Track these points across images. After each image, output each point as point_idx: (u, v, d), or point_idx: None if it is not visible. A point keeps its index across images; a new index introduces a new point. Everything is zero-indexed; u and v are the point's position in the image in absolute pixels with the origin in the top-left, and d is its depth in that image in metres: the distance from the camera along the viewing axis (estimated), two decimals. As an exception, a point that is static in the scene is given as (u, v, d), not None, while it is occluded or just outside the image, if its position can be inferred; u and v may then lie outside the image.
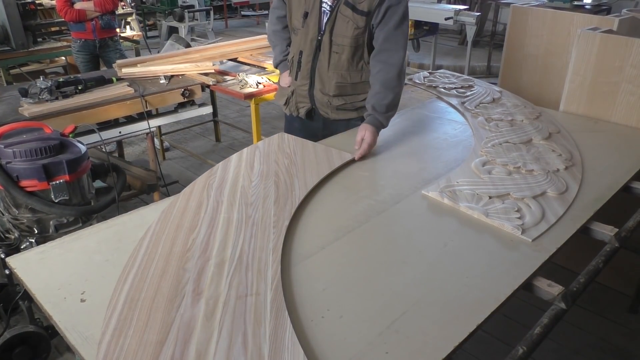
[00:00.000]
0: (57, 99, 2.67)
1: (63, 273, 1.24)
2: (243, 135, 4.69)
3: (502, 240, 1.38)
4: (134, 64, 3.25)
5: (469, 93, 2.57)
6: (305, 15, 1.96)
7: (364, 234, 1.41)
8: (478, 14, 5.36)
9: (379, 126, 1.92)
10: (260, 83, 3.09)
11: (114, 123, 2.94)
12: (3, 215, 2.04)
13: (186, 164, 4.19)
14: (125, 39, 5.24)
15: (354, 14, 1.89)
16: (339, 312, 1.11)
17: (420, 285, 1.20)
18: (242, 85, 3.06)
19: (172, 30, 6.96)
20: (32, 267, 1.27)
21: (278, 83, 2.32)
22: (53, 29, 4.99)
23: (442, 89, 2.64)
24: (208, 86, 3.19)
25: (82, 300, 1.14)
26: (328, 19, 1.93)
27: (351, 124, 2.11)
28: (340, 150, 1.87)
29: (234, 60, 3.65)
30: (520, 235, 1.38)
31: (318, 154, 1.85)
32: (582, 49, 2.32)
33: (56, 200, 1.95)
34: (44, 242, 1.58)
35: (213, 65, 3.36)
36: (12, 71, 4.56)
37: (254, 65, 3.51)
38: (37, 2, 4.68)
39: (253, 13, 10.84)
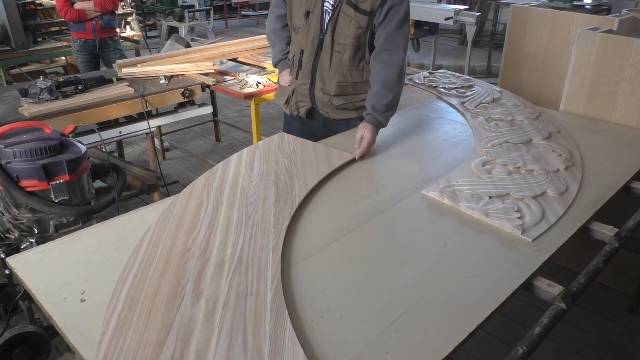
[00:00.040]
0: (57, 99, 2.67)
1: (63, 273, 1.24)
2: (243, 135, 4.69)
3: (502, 240, 1.38)
4: (134, 64, 3.25)
5: (469, 93, 2.57)
6: (307, 14, 1.96)
7: (364, 234, 1.41)
8: (478, 14, 5.36)
9: (378, 125, 1.92)
10: (260, 83, 3.09)
11: (114, 123, 2.94)
12: (3, 215, 2.04)
13: (186, 164, 4.19)
14: (125, 39, 5.24)
15: (356, 13, 1.89)
16: (339, 312, 1.11)
17: (420, 285, 1.20)
18: (242, 85, 3.06)
19: (172, 30, 6.96)
20: (32, 267, 1.27)
21: (278, 82, 2.32)
22: (53, 29, 4.99)
23: (442, 89, 2.64)
24: (208, 86, 3.19)
25: (82, 300, 1.14)
26: (330, 18, 1.94)
27: (351, 123, 2.11)
28: (340, 150, 1.87)
29: (234, 60, 3.65)
30: (520, 235, 1.38)
31: (318, 153, 1.85)
32: (582, 49, 2.32)
33: (56, 200, 1.95)
34: (44, 242, 1.58)
35: (213, 65, 3.36)
36: (12, 71, 4.56)
37: (254, 65, 3.51)
38: (37, 2, 4.68)
39: (253, 13, 10.84)
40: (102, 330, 1.02)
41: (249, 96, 2.98)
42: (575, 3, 5.63)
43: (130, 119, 3.01)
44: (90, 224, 2.04)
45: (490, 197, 1.56)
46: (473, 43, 5.46)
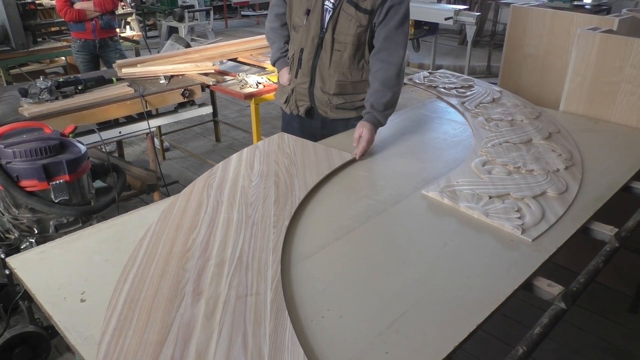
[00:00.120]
0: (57, 99, 2.67)
1: (63, 273, 1.24)
2: (243, 135, 4.69)
3: (502, 240, 1.38)
4: (134, 64, 3.25)
5: (469, 93, 2.57)
6: (308, 12, 1.97)
7: (364, 234, 1.41)
8: (478, 14, 5.36)
9: (376, 124, 1.92)
10: (260, 83, 3.09)
11: (114, 123, 2.93)
12: (3, 215, 2.04)
13: (186, 164, 4.19)
14: (125, 39, 5.24)
15: (356, 12, 1.89)
16: (339, 312, 1.11)
17: (420, 285, 1.20)
18: (242, 85, 3.06)
19: (172, 30, 6.96)
20: (32, 267, 1.27)
21: (278, 82, 2.32)
22: (53, 29, 4.99)
23: (442, 89, 2.64)
24: (208, 86, 3.19)
25: (82, 300, 1.14)
26: (331, 17, 1.94)
27: (350, 123, 2.10)
28: (340, 150, 1.87)
29: (234, 60, 3.65)
30: (520, 235, 1.38)
31: (318, 154, 1.85)
32: (582, 49, 2.32)
33: (56, 200, 1.95)
34: (44, 242, 1.58)
35: (213, 65, 3.36)
36: (12, 71, 4.56)
37: (254, 65, 3.51)
38: (37, 2, 4.68)
39: (253, 13, 10.84)
40: (102, 330, 1.02)
41: (249, 96, 2.98)
42: (575, 3, 5.63)
43: (130, 119, 3.01)
44: (90, 224, 2.04)
45: (490, 197, 1.56)
46: (473, 43, 5.46)
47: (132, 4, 7.15)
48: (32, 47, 4.47)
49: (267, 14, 2.35)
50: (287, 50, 2.18)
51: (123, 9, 5.61)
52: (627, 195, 1.74)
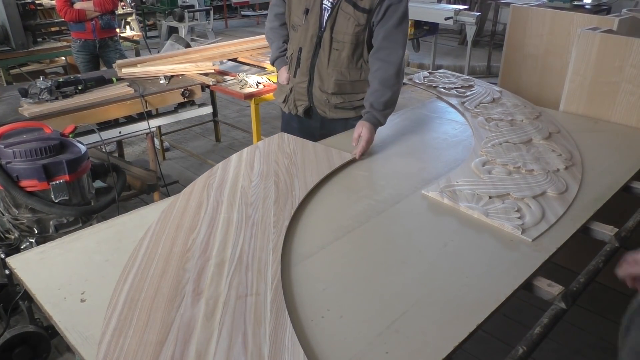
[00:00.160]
0: (57, 99, 2.67)
1: (63, 273, 1.24)
2: (243, 135, 4.69)
3: (502, 240, 1.38)
4: (134, 64, 3.25)
5: (469, 93, 2.57)
6: (306, 11, 1.97)
7: (364, 234, 1.41)
8: (478, 14, 5.36)
9: (376, 123, 1.92)
10: (260, 83, 3.09)
11: (114, 123, 2.93)
12: (3, 215, 2.04)
13: (186, 164, 4.19)
14: (125, 39, 5.24)
15: (355, 11, 1.89)
16: (339, 312, 1.11)
17: (420, 285, 1.20)
18: (242, 85, 3.06)
19: (172, 30, 6.96)
20: (32, 267, 1.27)
21: (277, 81, 2.32)
22: (53, 29, 4.99)
23: (442, 89, 2.64)
24: (208, 86, 3.19)
25: (82, 300, 1.14)
26: (329, 16, 1.94)
27: (349, 123, 2.10)
28: (340, 150, 1.87)
29: (234, 60, 3.65)
30: (520, 235, 1.38)
31: (318, 153, 1.85)
32: (582, 49, 2.32)
33: (56, 200, 1.95)
34: (44, 242, 1.58)
35: (213, 65, 3.36)
36: (12, 71, 4.56)
37: (254, 65, 3.51)
38: (37, 2, 4.68)
39: (253, 13, 10.84)
40: (102, 330, 1.02)
41: (249, 96, 2.98)
42: (575, 3, 5.64)
43: (130, 119, 3.01)
44: (90, 224, 2.04)
45: (490, 197, 1.56)
46: (473, 43, 5.46)
47: (132, 4, 7.15)
48: (32, 47, 4.47)
49: (267, 14, 2.35)
50: (286, 49, 2.18)
51: (123, 9, 5.61)
52: (627, 195, 1.74)
